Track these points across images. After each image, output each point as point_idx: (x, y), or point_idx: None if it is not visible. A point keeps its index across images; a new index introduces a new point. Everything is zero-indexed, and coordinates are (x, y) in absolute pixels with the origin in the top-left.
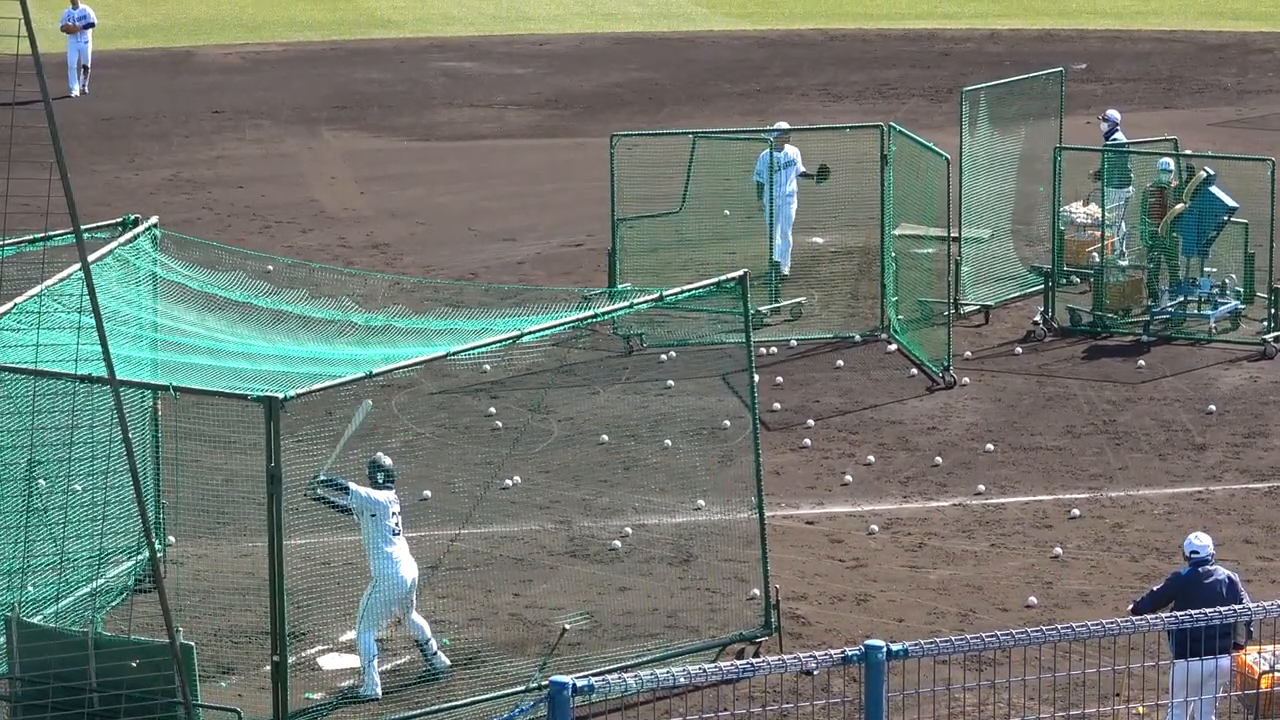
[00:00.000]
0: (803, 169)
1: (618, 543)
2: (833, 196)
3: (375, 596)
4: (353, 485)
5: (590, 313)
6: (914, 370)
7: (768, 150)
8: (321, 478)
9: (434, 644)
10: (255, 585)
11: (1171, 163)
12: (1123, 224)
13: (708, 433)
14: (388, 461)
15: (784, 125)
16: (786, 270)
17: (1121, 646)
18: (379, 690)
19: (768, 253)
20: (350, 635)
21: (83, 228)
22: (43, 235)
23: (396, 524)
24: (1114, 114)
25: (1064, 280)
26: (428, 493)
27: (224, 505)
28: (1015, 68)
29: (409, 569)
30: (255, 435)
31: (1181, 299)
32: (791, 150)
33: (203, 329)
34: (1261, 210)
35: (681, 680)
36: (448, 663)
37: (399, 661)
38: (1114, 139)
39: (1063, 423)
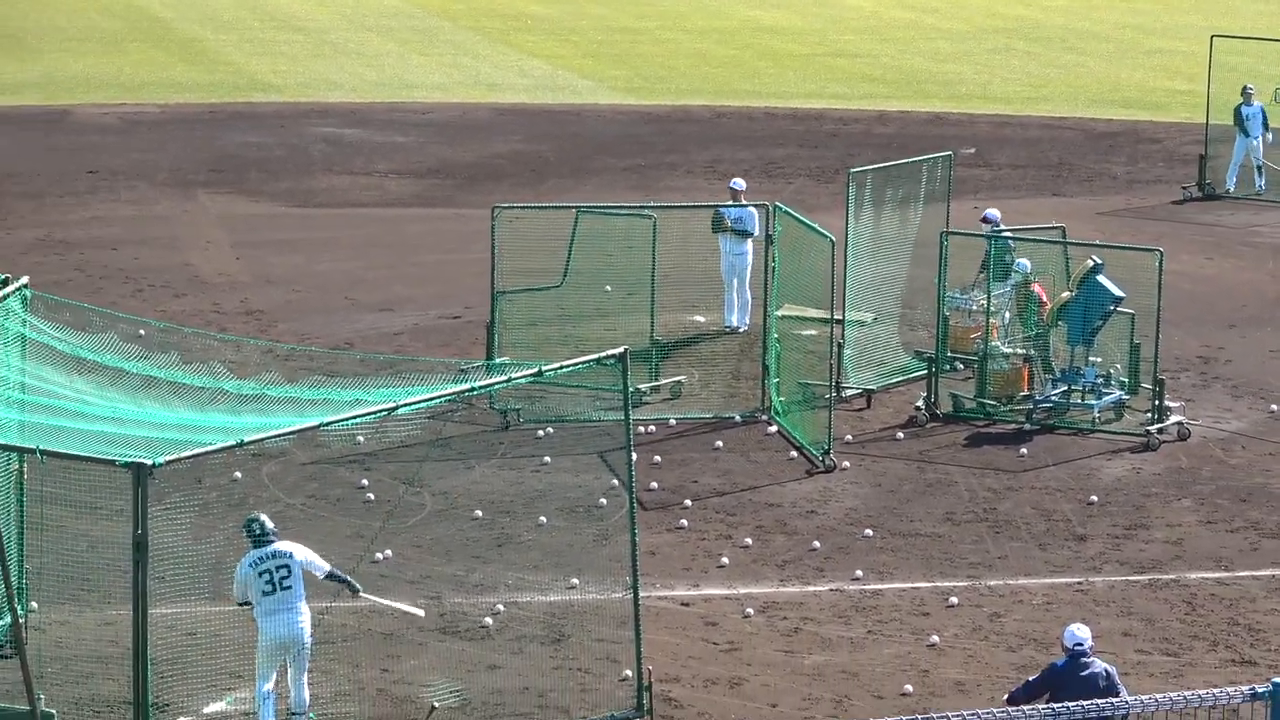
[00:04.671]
0: (755, 231)
1: (489, 620)
2: (716, 275)
3: (258, 650)
4: (235, 589)
5: (467, 386)
6: (794, 453)
7: (730, 206)
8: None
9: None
10: (118, 654)
11: (1028, 263)
12: (1006, 312)
13: (583, 511)
14: (258, 520)
15: (740, 183)
16: (743, 329)
17: None
18: None
19: (724, 316)
20: (213, 707)
21: None
22: None
23: (266, 580)
24: (994, 214)
25: (947, 366)
26: None
27: (88, 572)
28: (903, 150)
29: (279, 625)
30: (122, 501)
31: (1065, 388)
32: (748, 208)
33: (71, 392)
34: (1148, 301)
35: None
36: None
37: None
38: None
39: (943, 509)
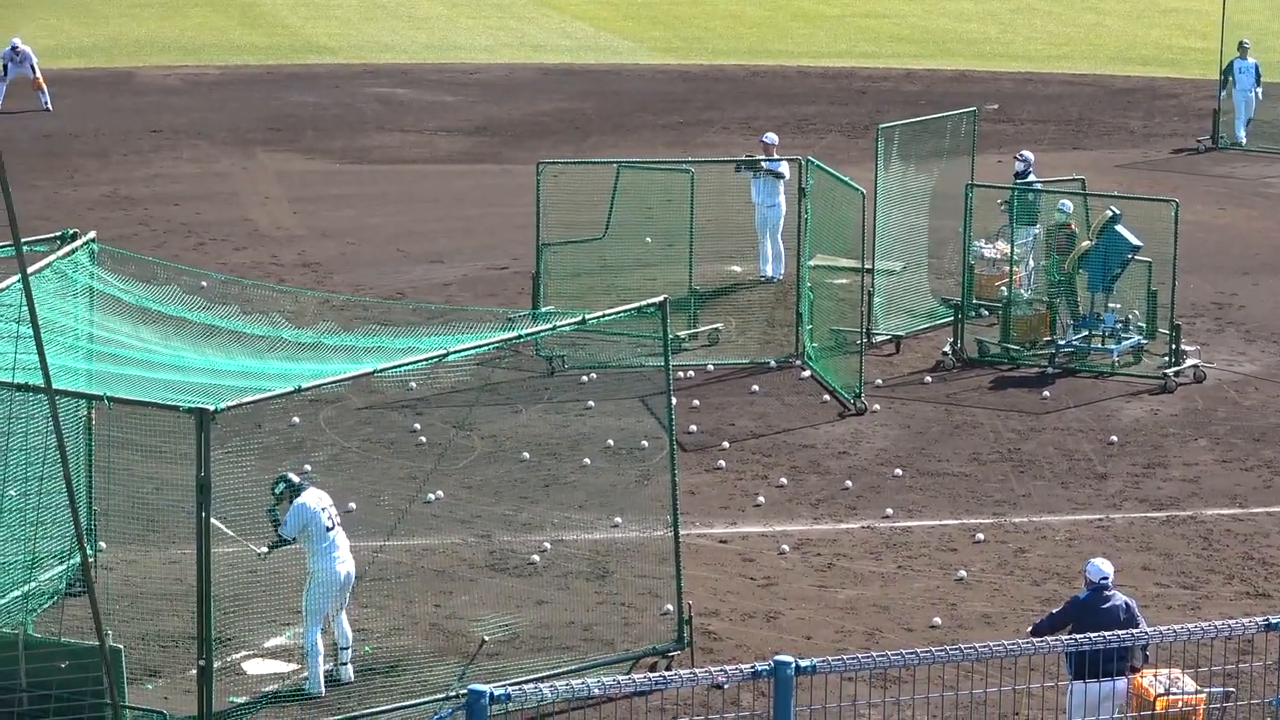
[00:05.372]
0: (786, 175)
1: (536, 557)
2: (751, 227)
3: (312, 592)
4: (283, 528)
5: (514, 334)
6: (826, 396)
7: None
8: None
9: (349, 655)
10: (183, 591)
11: (1070, 204)
12: (1030, 259)
13: (626, 452)
14: (286, 476)
15: (772, 137)
16: (778, 278)
17: (1022, 667)
18: (322, 688)
19: (758, 265)
20: (274, 641)
21: (22, 240)
22: None
23: (329, 519)
24: (1029, 155)
25: (973, 313)
26: (353, 505)
27: (154, 513)
28: (930, 107)
29: (343, 564)
30: (186, 445)
31: (1086, 333)
32: (780, 162)
33: (137, 341)
34: (1164, 249)
35: (596, 691)
36: (352, 677)
37: (327, 667)
38: (1026, 179)
39: (969, 450)
